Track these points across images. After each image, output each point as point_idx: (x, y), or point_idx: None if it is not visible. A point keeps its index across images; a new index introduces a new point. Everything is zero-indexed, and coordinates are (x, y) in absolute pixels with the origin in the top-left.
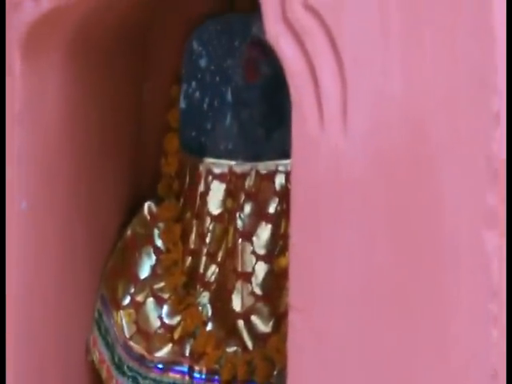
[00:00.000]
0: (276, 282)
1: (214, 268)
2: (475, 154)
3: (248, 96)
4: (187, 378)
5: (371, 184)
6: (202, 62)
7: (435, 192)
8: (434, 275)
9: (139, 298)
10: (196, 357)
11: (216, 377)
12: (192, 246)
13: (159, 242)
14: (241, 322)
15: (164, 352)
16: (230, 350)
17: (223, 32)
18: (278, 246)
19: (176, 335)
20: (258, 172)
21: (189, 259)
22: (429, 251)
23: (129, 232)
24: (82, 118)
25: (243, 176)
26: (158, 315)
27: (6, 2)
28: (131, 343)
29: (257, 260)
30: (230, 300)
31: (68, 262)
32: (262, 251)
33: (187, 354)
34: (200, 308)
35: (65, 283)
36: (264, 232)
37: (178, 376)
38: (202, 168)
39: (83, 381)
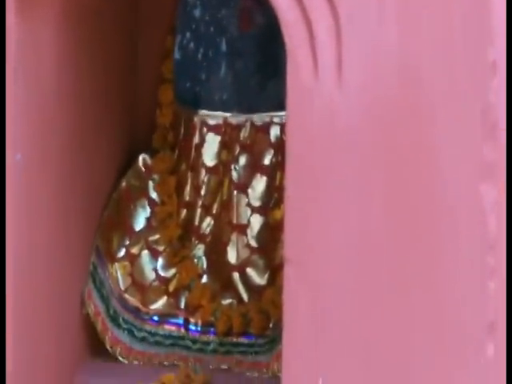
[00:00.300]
0: (271, 235)
1: (209, 220)
2: (471, 105)
3: (242, 46)
4: (183, 330)
5: (366, 135)
6: (197, 13)
7: (431, 145)
8: (430, 227)
9: (134, 251)
10: (191, 309)
11: (211, 329)
12: (187, 199)
13: (154, 194)
14: (236, 275)
15: (159, 304)
16: (226, 302)
17: None
18: (274, 198)
19: (171, 288)
20: (252, 124)
21: (184, 211)
22: (425, 203)
23: (123, 184)
24: (75, 72)
25: (238, 128)
26: (152, 267)
27: None
28: (126, 296)
29: (252, 212)
30: (225, 252)
31: (62, 215)
32: (257, 203)
33: (182, 307)
34: (195, 260)
35: (59, 236)
36: (259, 184)
37: (173, 328)
38: (196, 119)
39: (78, 334)
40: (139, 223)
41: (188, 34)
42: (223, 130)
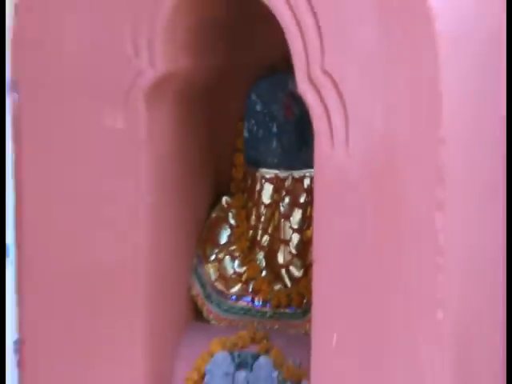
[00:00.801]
0: (304, 246)
1: (266, 237)
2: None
3: (286, 128)
4: (250, 304)
5: (363, 183)
6: (258, 107)
7: (398, 189)
8: (395, 233)
9: (220, 256)
10: (256, 292)
11: (268, 304)
12: (252, 223)
13: (232, 221)
14: (283, 270)
15: (236, 289)
16: (277, 287)
17: (270, 87)
18: (306, 223)
19: (243, 278)
20: (293, 177)
21: (250, 232)
22: (393, 220)
23: (213, 215)
24: (182, 146)
25: (284, 179)
26: (232, 266)
27: (130, 69)
28: (216, 283)
29: (293, 232)
30: (276, 257)
31: (179, 236)
32: (295, 226)
33: (250, 290)
34: (258, 262)
35: (177, 248)
36: (297, 214)
37: (244, 303)
38: (258, 175)
39: (187, 306)
40: (223, 239)
41: (252, 121)
42: (274, 181)
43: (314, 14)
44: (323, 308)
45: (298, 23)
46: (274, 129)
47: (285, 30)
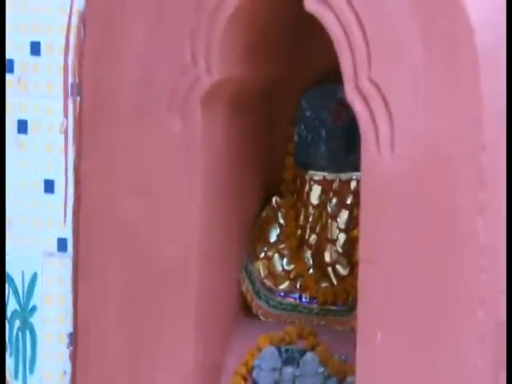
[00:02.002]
0: (351, 245)
1: (314, 236)
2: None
3: (335, 133)
4: (298, 301)
5: (407, 183)
6: (307, 113)
7: (442, 189)
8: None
9: (270, 254)
10: (303, 289)
11: (315, 301)
12: (301, 223)
13: (281, 221)
14: (329, 268)
15: (284, 286)
16: (323, 285)
17: (320, 95)
18: (352, 223)
19: (291, 276)
20: (340, 179)
21: (299, 231)
22: (436, 224)
23: (264, 214)
24: (235, 148)
25: (332, 181)
26: (280, 264)
27: (188, 76)
28: (265, 280)
29: (339, 232)
30: (323, 255)
31: (230, 233)
32: (342, 226)
33: (298, 287)
34: (305, 260)
35: (228, 245)
36: (344, 215)
37: (292, 300)
38: (307, 177)
39: (237, 302)
40: (273, 237)
41: (302, 126)
42: (322, 183)
43: (363, 28)
44: (368, 306)
45: (347, 36)
46: (323, 134)
47: (334, 42)
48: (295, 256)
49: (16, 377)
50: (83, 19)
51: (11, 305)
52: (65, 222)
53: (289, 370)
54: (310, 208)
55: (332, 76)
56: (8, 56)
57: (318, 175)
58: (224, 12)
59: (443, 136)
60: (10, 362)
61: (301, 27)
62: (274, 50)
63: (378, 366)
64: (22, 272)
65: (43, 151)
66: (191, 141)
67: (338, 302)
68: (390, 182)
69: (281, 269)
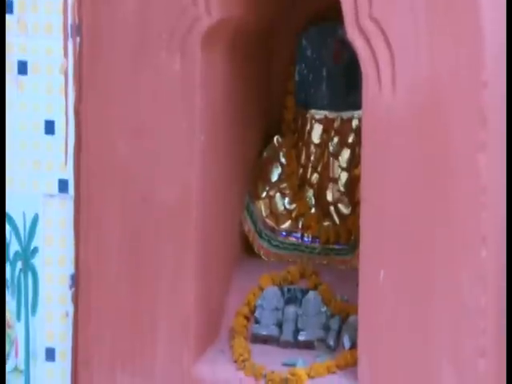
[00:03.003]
0: (352, 184)
1: (315, 175)
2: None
3: (335, 72)
4: (300, 240)
5: (409, 122)
6: (308, 52)
7: (443, 127)
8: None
9: (271, 193)
10: (305, 228)
11: (317, 240)
12: (303, 162)
13: (283, 160)
14: (332, 208)
15: (286, 225)
16: (325, 224)
17: (320, 34)
18: (354, 162)
19: (293, 215)
20: (341, 118)
21: (301, 170)
22: (434, 164)
23: (265, 154)
24: (235, 88)
25: (333, 120)
26: (282, 203)
27: (188, 16)
28: (267, 220)
29: (341, 170)
30: (325, 194)
31: (231, 174)
32: (344, 165)
33: (300, 227)
34: (307, 199)
35: (229, 185)
36: (345, 153)
37: (294, 239)
38: (308, 115)
39: (239, 241)
40: (274, 177)
41: (303, 65)
42: (324, 121)
43: None
44: (371, 244)
45: None
46: (324, 73)
47: None
48: (297, 195)
49: (18, 318)
50: None
51: (13, 246)
52: (66, 163)
53: (291, 310)
54: (312, 147)
55: (332, 14)
56: None
57: (319, 114)
58: None
59: (445, 74)
60: (12, 304)
61: None
62: None
63: (381, 305)
64: (24, 213)
65: (43, 92)
66: (191, 81)
67: (341, 241)
68: (391, 119)
69: (282, 208)
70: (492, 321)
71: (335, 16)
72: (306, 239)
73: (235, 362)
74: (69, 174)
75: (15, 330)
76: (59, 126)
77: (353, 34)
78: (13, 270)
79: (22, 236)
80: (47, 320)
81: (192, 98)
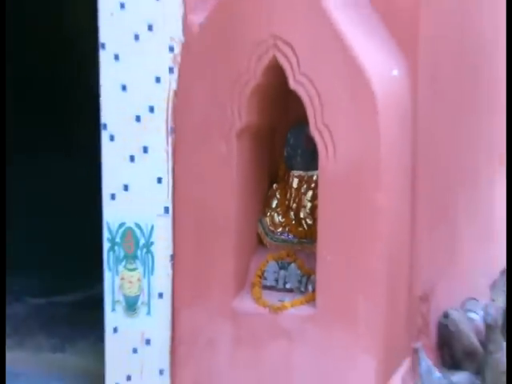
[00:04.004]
0: (313, 209)
1: (294, 204)
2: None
3: (306, 151)
4: (287, 237)
5: (344, 179)
6: (291, 141)
7: (364, 184)
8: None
9: (272, 213)
10: (289, 231)
11: (296, 237)
12: (288, 197)
13: (278, 196)
14: (303, 221)
15: (280, 230)
16: (300, 229)
17: (298, 131)
18: (314, 197)
19: (283, 225)
20: (308, 175)
21: (287, 202)
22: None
23: (269, 193)
24: (255, 161)
25: (304, 176)
26: (278, 219)
27: (229, 121)
28: (270, 227)
29: (307, 201)
30: (300, 214)
31: (253, 202)
32: (309, 199)
33: (287, 230)
34: (290, 217)
35: (252, 208)
36: (310, 193)
37: (284, 237)
38: (291, 173)
39: (256, 239)
40: (273, 205)
41: (289, 148)
42: (299, 176)
43: (318, 95)
44: (323, 240)
45: (311, 100)
46: (299, 152)
47: (305, 103)
48: (285, 215)
49: (144, 276)
50: (175, 92)
51: (141, 241)
52: (167, 197)
53: (282, 273)
54: (293, 190)
55: (304, 121)
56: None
57: (297, 172)
58: (248, 87)
59: (358, 153)
60: (141, 269)
61: (287, 95)
62: (274, 108)
63: (327, 270)
64: (146, 224)
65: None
66: (231, 158)
67: (307, 237)
68: (333, 178)
69: (277, 221)
70: None
71: (306, 121)
72: (290, 237)
73: (253, 299)
74: (169, 203)
75: (142, 283)
76: (165, 181)
77: (314, 133)
78: (141, 253)
79: (146, 236)
80: (158, 278)
81: (231, 166)
